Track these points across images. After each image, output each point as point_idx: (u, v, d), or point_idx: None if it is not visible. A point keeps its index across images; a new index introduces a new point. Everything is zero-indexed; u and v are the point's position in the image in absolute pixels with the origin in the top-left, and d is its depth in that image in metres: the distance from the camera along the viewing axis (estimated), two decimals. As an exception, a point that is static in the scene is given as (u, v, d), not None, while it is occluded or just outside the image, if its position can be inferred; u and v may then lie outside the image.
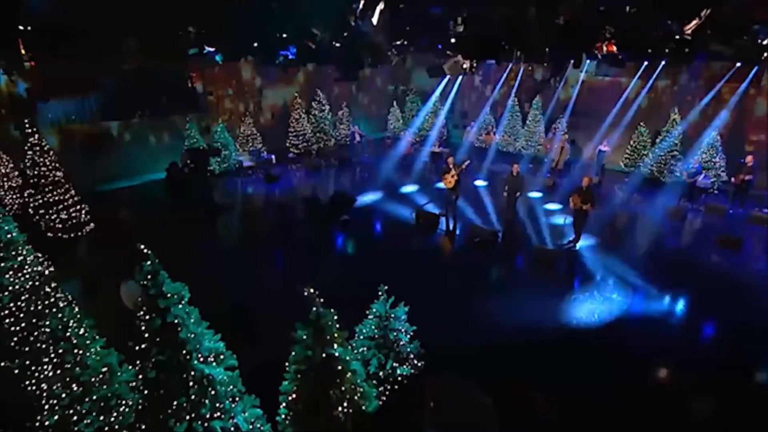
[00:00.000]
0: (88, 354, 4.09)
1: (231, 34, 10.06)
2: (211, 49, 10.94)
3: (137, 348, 3.38)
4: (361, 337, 4.02)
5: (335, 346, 3.15)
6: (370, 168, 17.93)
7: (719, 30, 7.83)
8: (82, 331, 4.19)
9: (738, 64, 14.30)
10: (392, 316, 4.00)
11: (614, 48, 8.99)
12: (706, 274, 9.85)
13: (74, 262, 9.90)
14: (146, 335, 3.34)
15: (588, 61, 16.88)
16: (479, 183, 15.93)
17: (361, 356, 3.89)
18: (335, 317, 3.25)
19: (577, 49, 8.95)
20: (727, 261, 10.44)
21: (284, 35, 10.22)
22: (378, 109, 23.99)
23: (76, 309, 4.83)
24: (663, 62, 15.43)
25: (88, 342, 4.14)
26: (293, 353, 3.38)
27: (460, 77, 20.61)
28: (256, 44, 11.19)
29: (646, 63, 15.77)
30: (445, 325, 7.37)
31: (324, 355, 3.16)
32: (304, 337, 3.25)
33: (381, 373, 3.86)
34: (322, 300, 3.17)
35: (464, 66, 8.40)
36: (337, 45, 9.85)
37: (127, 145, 15.68)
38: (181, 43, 9.97)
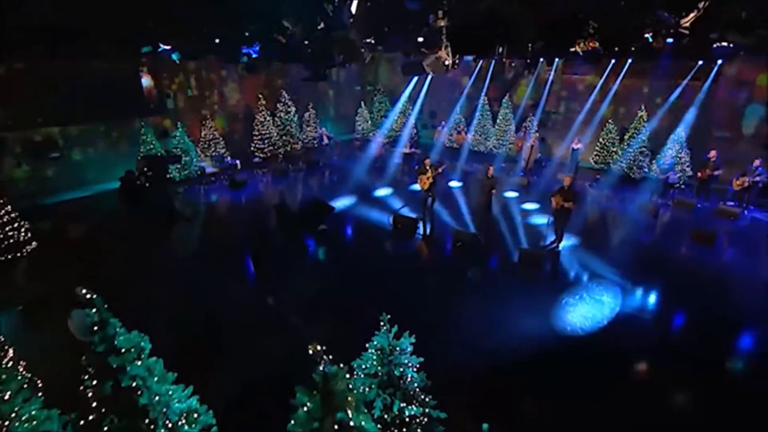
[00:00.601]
0: (18, 423, 3.15)
1: (189, 29, 9.17)
2: (167, 47, 9.98)
3: (82, 421, 2.61)
4: (362, 374, 3.43)
5: (349, 412, 2.48)
6: (341, 171, 17.28)
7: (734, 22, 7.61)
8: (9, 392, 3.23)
9: (700, 62, 14.64)
10: (397, 349, 3.43)
11: (596, 44, 8.80)
12: (687, 270, 9.82)
13: (10, 290, 8.61)
14: (95, 403, 2.60)
15: (557, 60, 16.97)
16: (454, 184, 15.60)
17: (363, 397, 3.30)
18: (344, 370, 2.59)
19: (561, 44, 8.68)
20: (704, 255, 10.49)
21: (247, 32, 9.40)
22: (345, 110, 23.35)
23: (9, 352, 3.97)
24: (630, 60, 15.65)
25: (17, 408, 3.20)
26: (292, 422, 2.69)
27: (429, 76, 20.29)
28: (217, 41, 10.29)
29: (613, 61, 15.95)
30: (443, 343, 6.88)
31: (336, 426, 2.42)
32: (308, 404, 2.56)
33: (387, 416, 3.31)
34: (325, 352, 2.52)
35: (446, 63, 7.93)
36: (307, 42, 9.14)
37: (74, 153, 14.33)
38: (132, 39, 8.97)
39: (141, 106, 15.05)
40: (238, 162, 16.98)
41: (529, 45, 8.92)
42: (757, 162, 13.33)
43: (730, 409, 5.89)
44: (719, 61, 14.30)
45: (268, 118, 18.35)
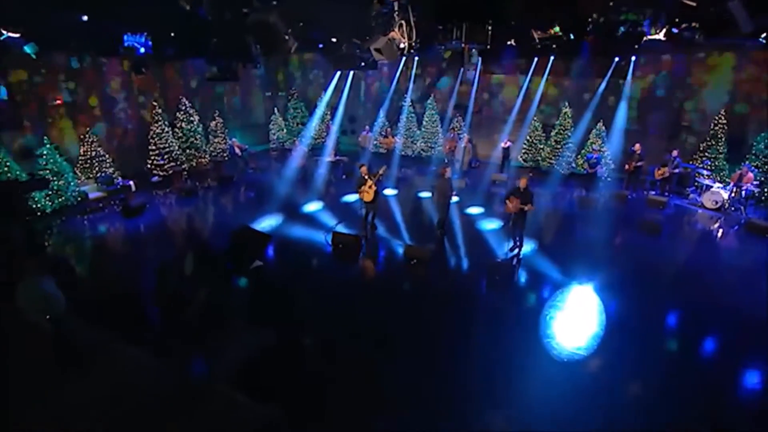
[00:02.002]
0: None
1: (44, 11, 6.73)
2: (15, 35, 7.36)
3: None
4: None
5: None
6: (259, 186, 15.19)
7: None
8: None
9: (616, 59, 15.03)
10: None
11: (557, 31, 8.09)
12: (647, 262, 9.51)
13: None
14: None
15: (479, 58, 16.60)
16: (388, 192, 14.34)
17: None
18: None
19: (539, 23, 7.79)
20: (660, 245, 10.42)
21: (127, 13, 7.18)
22: (256, 117, 21.15)
23: None
24: (552, 57, 15.68)
25: None
26: None
27: (350, 77, 18.98)
28: (88, 29, 7.84)
29: (537, 59, 15.91)
30: (429, 392, 5.46)
31: None
32: None
33: None
34: None
35: (401, 45, 6.58)
36: (214, 29, 7.20)
37: None
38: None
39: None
40: (132, 183, 14.10)
41: (489, 28, 8.00)
42: (675, 152, 13.88)
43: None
44: (633, 58, 14.80)
45: (166, 129, 15.63)
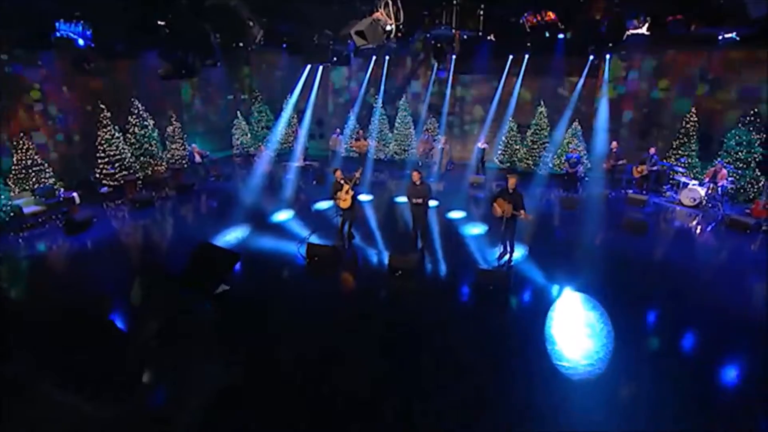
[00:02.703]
0: None
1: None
2: None
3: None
4: None
5: None
6: (222, 195, 14.02)
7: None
8: None
9: (591, 58, 14.85)
10: None
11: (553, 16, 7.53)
12: (640, 263, 9.09)
13: None
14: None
15: (454, 56, 16.12)
16: (363, 198, 13.51)
17: None
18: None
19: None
20: (646, 245, 10.05)
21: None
22: (218, 122, 19.88)
23: None
24: (527, 55, 15.35)
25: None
26: None
27: (318, 76, 18.08)
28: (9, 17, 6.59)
29: (511, 57, 15.56)
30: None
31: None
32: None
33: None
34: None
35: (388, 27, 5.73)
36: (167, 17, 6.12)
37: None
38: None
39: None
40: (76, 195, 12.60)
41: (480, 12, 7.34)
42: (652, 150, 13.76)
43: None
44: (607, 56, 14.66)
45: (116, 135, 14.20)
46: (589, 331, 6.62)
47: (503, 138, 16.45)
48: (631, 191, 13.87)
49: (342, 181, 9.46)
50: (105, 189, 13.64)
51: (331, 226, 10.54)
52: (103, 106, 13.75)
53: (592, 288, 7.85)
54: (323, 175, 15.13)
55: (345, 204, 9.35)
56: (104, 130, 13.81)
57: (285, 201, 13.19)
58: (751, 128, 13.08)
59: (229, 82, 20.47)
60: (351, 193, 9.41)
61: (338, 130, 17.61)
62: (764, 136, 13.05)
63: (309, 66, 17.36)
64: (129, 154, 14.72)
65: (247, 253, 9.30)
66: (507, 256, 8.76)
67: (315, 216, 11.86)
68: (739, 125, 13.28)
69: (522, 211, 8.25)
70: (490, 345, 6.38)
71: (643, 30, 9.58)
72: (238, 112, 19.35)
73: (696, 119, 14.20)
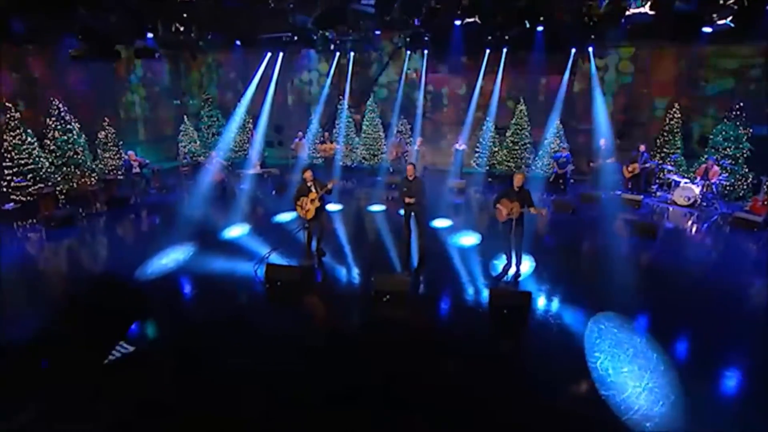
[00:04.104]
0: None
1: None
2: None
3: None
4: None
5: None
6: (164, 210, 11.86)
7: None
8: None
9: (573, 50, 13.89)
10: None
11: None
12: (657, 270, 7.83)
13: None
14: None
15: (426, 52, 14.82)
16: (332, 207, 11.74)
17: None
18: None
19: None
20: (657, 249, 8.88)
21: None
22: (162, 129, 17.63)
23: None
24: (505, 50, 14.23)
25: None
26: None
27: (274, 73, 16.28)
28: None
29: (488, 51, 14.40)
30: None
31: None
32: None
33: None
34: None
35: None
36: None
37: None
38: None
39: None
40: (-29, 213, 10.11)
41: None
42: (642, 147, 12.86)
43: None
44: (590, 49, 13.74)
45: (30, 140, 11.75)
46: (645, 364, 5.12)
47: (479, 140, 15.15)
48: (619, 191, 12.89)
49: (311, 185, 7.71)
50: (10, 205, 11.12)
51: (296, 242, 8.69)
52: (10, 105, 11.32)
53: (624, 305, 6.42)
54: (284, 184, 13.26)
55: (308, 214, 7.59)
56: (12, 134, 11.35)
57: (239, 214, 11.20)
58: (738, 123, 12.44)
59: (175, 82, 18.35)
60: (317, 203, 7.67)
61: (300, 133, 15.79)
62: (750, 131, 12.45)
63: (266, 60, 15.66)
64: (47, 164, 12.28)
65: (192, 276, 7.32)
66: (513, 269, 7.23)
67: (276, 230, 9.98)
68: (725, 120, 12.64)
69: (534, 208, 6.80)
70: (521, 397, 4.75)
71: (647, 8, 8.52)
72: (185, 117, 17.15)
73: (680, 115, 13.50)
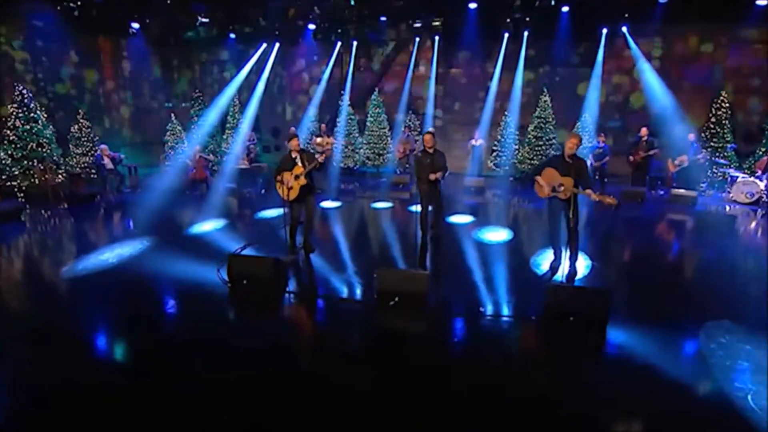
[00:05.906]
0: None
1: None
2: None
3: None
4: None
5: None
6: (131, 208, 10.07)
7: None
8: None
9: (605, 30, 12.27)
10: None
11: None
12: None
13: None
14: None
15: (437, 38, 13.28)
16: (328, 205, 9.96)
17: None
18: None
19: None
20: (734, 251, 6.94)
21: None
22: (152, 133, 16.28)
23: None
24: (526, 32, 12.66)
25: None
26: None
27: (267, 67, 14.86)
28: None
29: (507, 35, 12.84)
30: None
31: None
32: None
33: None
34: None
35: None
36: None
37: None
38: None
39: None
40: None
41: None
42: (644, 130, 11.01)
43: None
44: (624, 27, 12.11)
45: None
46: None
47: (500, 137, 13.37)
48: (662, 192, 11.05)
49: (296, 157, 5.94)
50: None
51: (279, 240, 6.82)
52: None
53: (733, 315, 4.47)
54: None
55: (291, 194, 5.78)
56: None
57: (217, 209, 9.42)
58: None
59: (167, 87, 17.31)
60: (303, 180, 5.88)
61: (292, 129, 14.16)
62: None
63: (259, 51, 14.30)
64: (5, 156, 10.70)
65: (136, 278, 5.48)
66: (567, 267, 5.26)
67: (256, 225, 8.17)
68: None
69: (594, 193, 4.92)
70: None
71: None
72: (173, 115, 15.66)
73: (728, 105, 11.77)
